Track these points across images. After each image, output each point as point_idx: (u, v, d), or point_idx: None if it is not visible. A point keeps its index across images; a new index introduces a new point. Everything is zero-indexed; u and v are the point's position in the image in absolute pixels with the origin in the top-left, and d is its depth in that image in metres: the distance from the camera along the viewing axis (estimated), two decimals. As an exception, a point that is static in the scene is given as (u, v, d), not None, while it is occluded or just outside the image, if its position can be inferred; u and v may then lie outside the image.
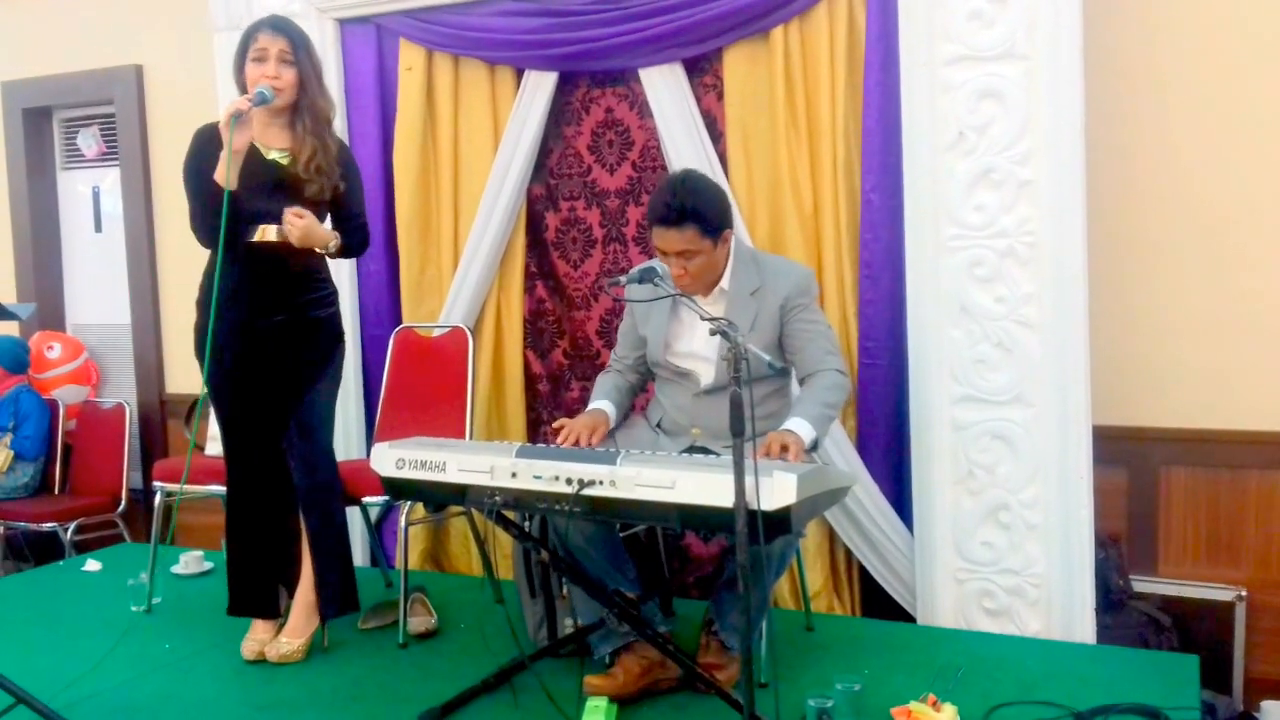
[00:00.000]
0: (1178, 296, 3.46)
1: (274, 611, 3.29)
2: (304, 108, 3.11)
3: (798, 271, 3.03)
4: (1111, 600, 3.37)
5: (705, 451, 2.91)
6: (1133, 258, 3.48)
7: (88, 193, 5.62)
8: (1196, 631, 3.40)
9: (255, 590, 3.28)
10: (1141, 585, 3.50)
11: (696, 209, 2.81)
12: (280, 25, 3.12)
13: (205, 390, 3.17)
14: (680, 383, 3.04)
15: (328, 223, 3.25)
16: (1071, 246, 3.16)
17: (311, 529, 3.21)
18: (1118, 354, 3.46)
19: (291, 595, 3.30)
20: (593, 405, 3.06)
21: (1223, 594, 3.42)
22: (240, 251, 3.10)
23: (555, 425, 2.92)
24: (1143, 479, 3.55)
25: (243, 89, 3.08)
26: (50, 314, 5.59)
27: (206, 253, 3.21)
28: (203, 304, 3.16)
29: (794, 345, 2.95)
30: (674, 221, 2.81)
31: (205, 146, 3.08)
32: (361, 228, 3.30)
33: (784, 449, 2.60)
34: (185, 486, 3.78)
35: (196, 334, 3.19)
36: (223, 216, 2.92)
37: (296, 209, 3.04)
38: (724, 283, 2.96)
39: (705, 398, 2.95)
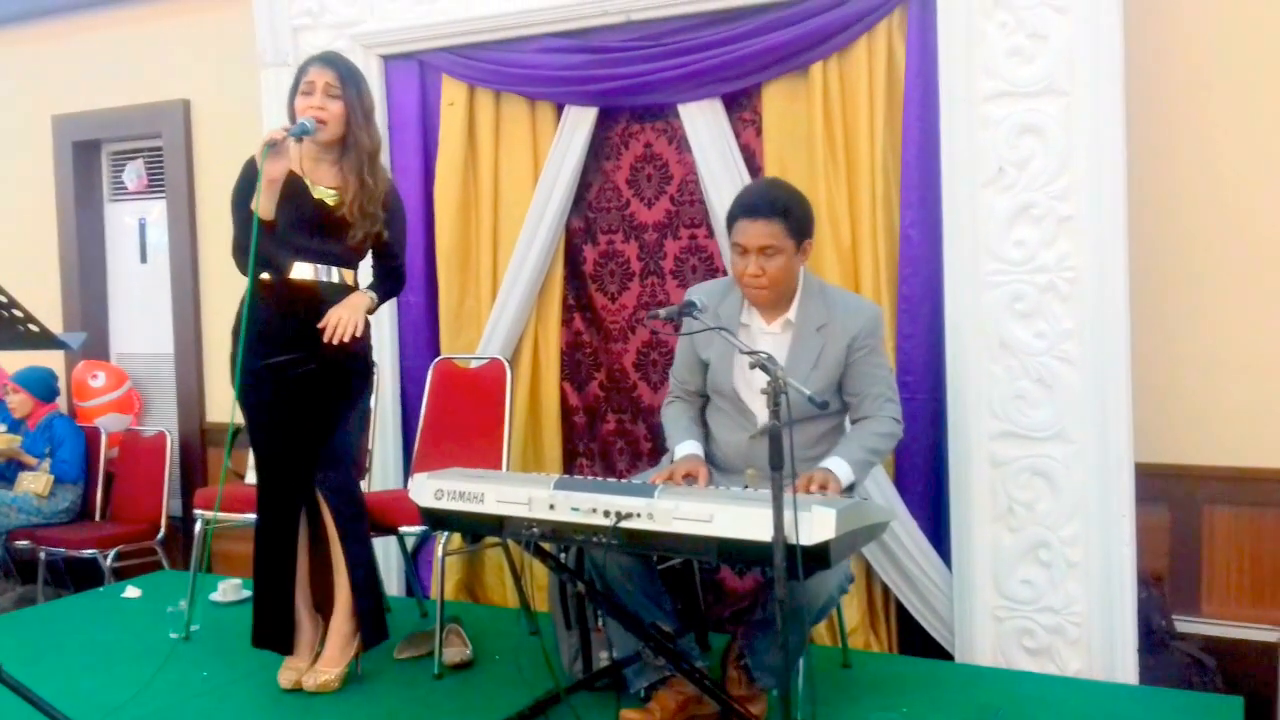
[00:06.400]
0: (1221, 332, 3.43)
1: (288, 648, 3.29)
2: (350, 144, 3.13)
3: (867, 311, 2.95)
4: (1153, 640, 3.32)
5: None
6: (1176, 293, 3.45)
7: (134, 224, 5.72)
8: (1241, 673, 3.34)
9: (276, 623, 3.28)
10: (1184, 625, 3.45)
11: (787, 205, 2.79)
12: (330, 59, 3.15)
13: (233, 424, 3.19)
14: (738, 420, 2.98)
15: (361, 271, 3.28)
16: (1113, 282, 3.15)
17: (349, 560, 3.21)
18: (1160, 390, 3.43)
19: (326, 626, 3.32)
20: (681, 450, 2.95)
21: (1267, 635, 3.36)
22: (278, 284, 3.13)
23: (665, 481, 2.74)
24: (1185, 517, 3.51)
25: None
26: (95, 343, 5.67)
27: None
28: (236, 333, 3.19)
29: (854, 387, 2.90)
30: (762, 213, 2.77)
31: (255, 176, 3.09)
32: (397, 270, 3.31)
33: (821, 487, 2.59)
34: (222, 515, 3.82)
35: (232, 364, 3.22)
36: (253, 245, 2.94)
37: (325, 324, 3.05)
38: (790, 314, 2.91)
39: (761, 439, 2.85)
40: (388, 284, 3.30)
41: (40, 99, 5.67)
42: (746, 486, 2.92)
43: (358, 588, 3.21)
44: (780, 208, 2.78)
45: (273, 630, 3.29)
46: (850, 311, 2.91)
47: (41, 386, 5.30)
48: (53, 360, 5.37)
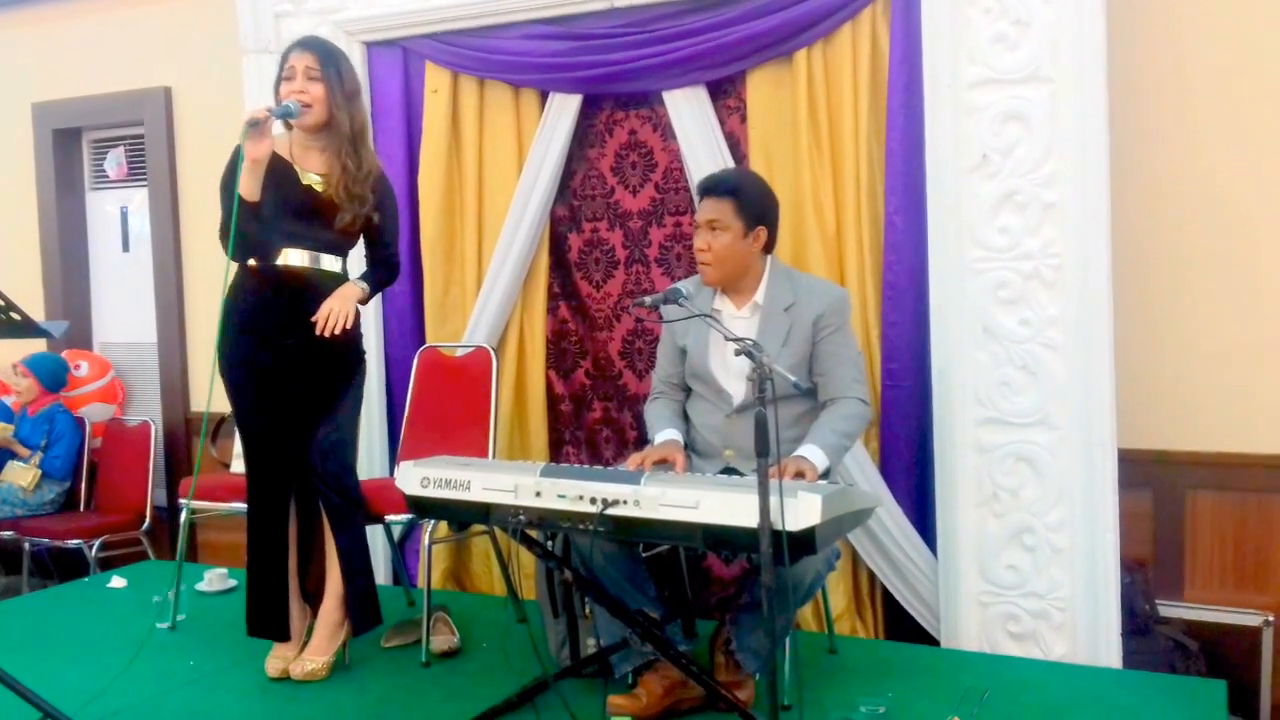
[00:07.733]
0: (1205, 318, 3.45)
1: (284, 634, 3.28)
2: (333, 125, 3.10)
3: (833, 291, 3.03)
4: (1137, 625, 3.34)
5: (737, 473, 2.90)
6: (1159, 279, 3.47)
7: (116, 213, 5.68)
8: (1224, 657, 3.37)
9: (271, 612, 3.28)
10: (1168, 610, 3.47)
11: (739, 186, 2.91)
12: (309, 43, 3.13)
13: (208, 411, 3.19)
14: (713, 402, 3.03)
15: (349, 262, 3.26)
16: (1097, 268, 3.16)
17: (342, 547, 3.20)
18: (1144, 377, 3.45)
19: (314, 614, 3.32)
20: (660, 436, 3.01)
21: (1250, 619, 3.39)
22: (266, 271, 3.12)
23: (630, 463, 2.83)
24: (1169, 503, 3.53)
25: None
26: (78, 332, 5.64)
27: (233, 273, 3.25)
28: (227, 319, 3.18)
29: (821, 366, 2.96)
30: (714, 191, 2.91)
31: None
32: (389, 259, 3.29)
33: (798, 475, 2.60)
34: (208, 504, 3.82)
35: (220, 349, 3.22)
36: (233, 225, 2.95)
37: (318, 318, 3.05)
38: (758, 296, 2.98)
39: (737, 418, 2.94)
40: (380, 273, 3.28)
41: (20, 86, 5.63)
42: (729, 465, 2.95)
43: (350, 575, 3.21)
44: (730, 187, 2.90)
45: (267, 618, 3.28)
46: (816, 292, 2.99)
47: (50, 375, 5.24)
48: (35, 350, 5.33)
